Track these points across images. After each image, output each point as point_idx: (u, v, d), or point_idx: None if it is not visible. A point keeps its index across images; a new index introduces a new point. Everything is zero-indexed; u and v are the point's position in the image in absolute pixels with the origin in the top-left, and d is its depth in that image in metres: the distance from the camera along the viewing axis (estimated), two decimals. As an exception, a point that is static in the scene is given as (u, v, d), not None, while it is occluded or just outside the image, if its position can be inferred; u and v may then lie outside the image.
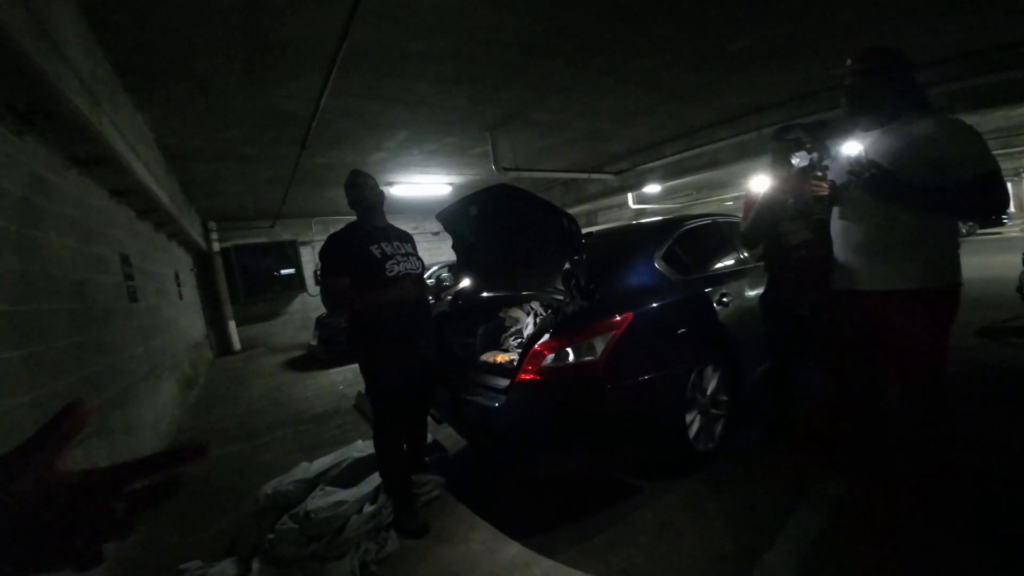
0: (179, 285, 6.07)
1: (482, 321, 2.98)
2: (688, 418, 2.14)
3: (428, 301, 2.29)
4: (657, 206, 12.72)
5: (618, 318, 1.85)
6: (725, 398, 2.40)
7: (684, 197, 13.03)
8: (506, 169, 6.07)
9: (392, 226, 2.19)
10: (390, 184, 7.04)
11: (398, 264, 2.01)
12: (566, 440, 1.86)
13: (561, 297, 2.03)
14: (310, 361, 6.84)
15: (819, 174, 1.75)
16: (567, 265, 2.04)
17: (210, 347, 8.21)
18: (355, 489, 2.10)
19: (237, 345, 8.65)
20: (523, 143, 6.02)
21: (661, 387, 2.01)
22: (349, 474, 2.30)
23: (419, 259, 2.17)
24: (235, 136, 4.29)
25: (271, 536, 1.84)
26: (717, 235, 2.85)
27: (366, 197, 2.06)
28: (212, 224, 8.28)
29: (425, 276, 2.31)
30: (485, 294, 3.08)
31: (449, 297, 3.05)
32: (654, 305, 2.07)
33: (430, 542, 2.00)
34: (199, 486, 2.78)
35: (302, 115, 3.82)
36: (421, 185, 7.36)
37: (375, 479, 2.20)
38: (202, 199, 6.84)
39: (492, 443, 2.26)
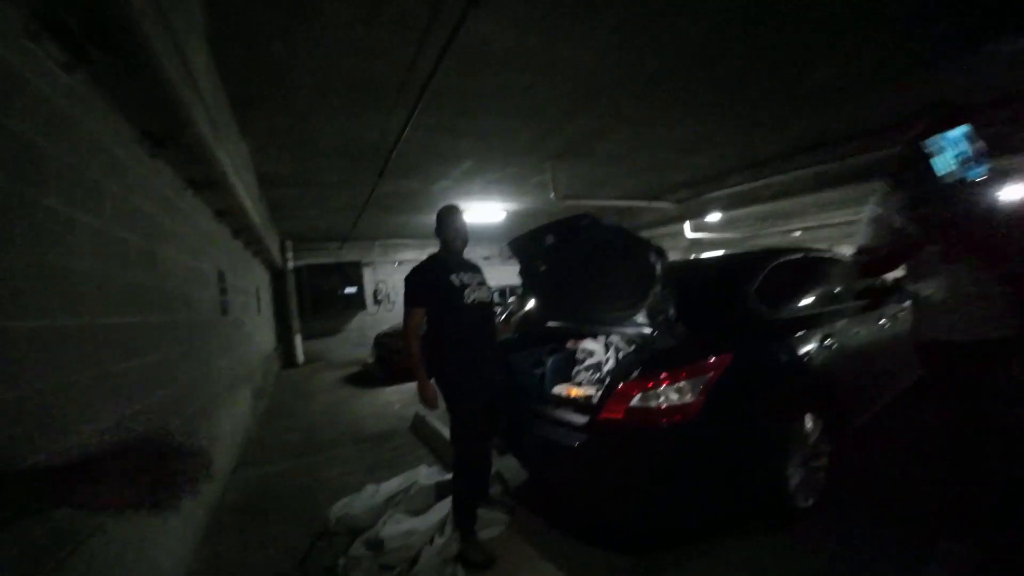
0: (259, 300, 6.55)
1: (549, 351, 2.91)
2: (788, 471, 1.93)
3: (497, 328, 2.33)
4: (715, 235, 12.16)
5: (716, 358, 1.71)
6: (828, 448, 2.16)
7: (746, 227, 12.35)
8: (565, 197, 6.10)
9: (464, 258, 2.30)
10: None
11: (474, 292, 2.12)
12: (651, 488, 1.72)
13: (647, 332, 1.93)
14: (366, 378, 7.05)
15: None
16: (652, 299, 1.94)
17: (277, 359, 8.72)
18: (424, 518, 2.07)
19: (301, 358, 9.14)
20: (582, 173, 6.03)
21: (761, 436, 1.83)
22: (417, 501, 2.27)
23: (489, 288, 2.26)
24: (321, 165, 4.65)
25: (343, 561, 1.83)
26: (813, 270, 2.63)
27: (460, 235, 2.20)
28: (289, 244, 8.95)
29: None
30: (551, 323, 3.02)
31: (516, 321, 3.03)
32: (753, 345, 1.92)
33: (497, 581, 1.90)
34: (267, 501, 2.87)
35: (383, 147, 4.07)
36: (477, 213, 7.55)
37: (442, 508, 2.15)
38: (283, 221, 7.43)
39: (563, 481, 2.15)
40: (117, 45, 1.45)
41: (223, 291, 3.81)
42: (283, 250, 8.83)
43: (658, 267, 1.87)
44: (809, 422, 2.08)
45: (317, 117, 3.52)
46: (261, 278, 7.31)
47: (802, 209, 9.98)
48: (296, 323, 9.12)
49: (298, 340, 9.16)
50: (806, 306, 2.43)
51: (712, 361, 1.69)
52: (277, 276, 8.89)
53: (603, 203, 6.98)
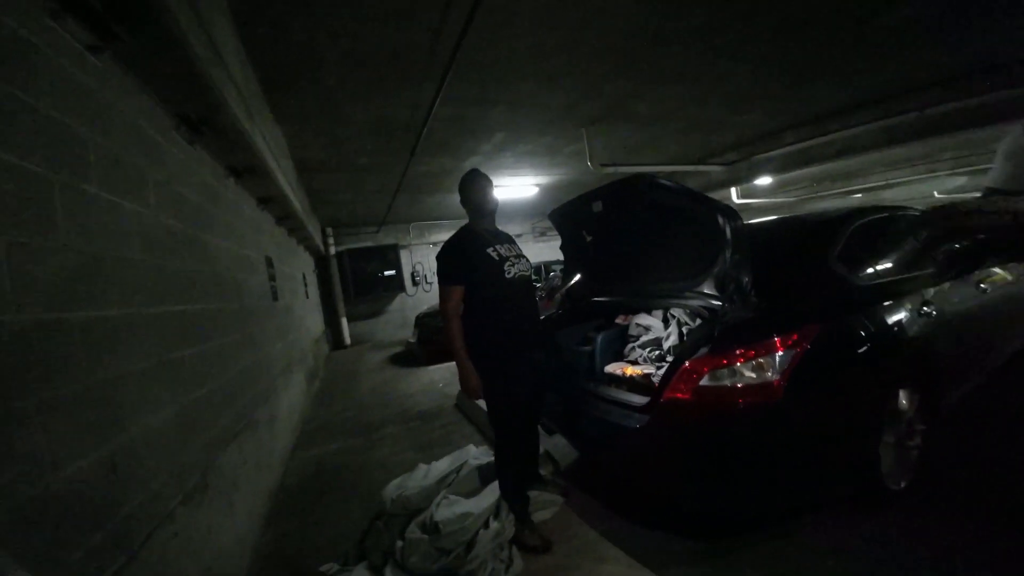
0: (305, 285, 6.77)
1: (597, 328, 2.75)
2: (880, 451, 1.73)
3: (537, 303, 2.18)
4: (765, 201, 11.35)
5: (800, 332, 1.50)
6: (923, 427, 1.92)
7: (800, 190, 11.43)
8: (602, 165, 5.79)
9: (498, 229, 2.14)
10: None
11: (514, 266, 1.97)
12: (727, 473, 1.57)
13: (715, 303, 1.74)
14: (410, 358, 7.19)
15: None
16: (722, 266, 1.74)
17: (327, 342, 9.09)
18: (478, 500, 2.02)
19: (348, 340, 9.50)
20: (620, 138, 5.70)
21: (852, 415, 1.63)
22: (469, 482, 2.24)
23: (528, 261, 2.11)
24: (354, 147, 4.61)
25: (401, 544, 1.82)
26: (902, 231, 2.30)
27: (489, 199, 2.03)
28: (329, 230, 9.20)
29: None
30: (599, 299, 2.86)
31: (559, 297, 2.88)
32: (841, 315, 1.69)
33: (556, 566, 1.83)
34: (325, 481, 2.95)
35: (414, 124, 3.96)
36: (508, 188, 7.35)
37: (495, 490, 2.10)
38: (321, 207, 7.58)
39: (623, 463, 2.03)
40: (140, 20, 1.38)
41: (272, 277, 3.90)
42: (324, 236, 9.07)
43: (728, 230, 1.66)
44: (903, 398, 1.85)
45: (347, 96, 3.44)
46: (306, 264, 7.54)
47: (864, 168, 9.09)
48: (341, 306, 9.46)
49: (344, 323, 9.52)
50: (895, 270, 2.14)
51: (797, 335, 1.49)
52: (321, 261, 9.18)
53: (644, 169, 6.58)
